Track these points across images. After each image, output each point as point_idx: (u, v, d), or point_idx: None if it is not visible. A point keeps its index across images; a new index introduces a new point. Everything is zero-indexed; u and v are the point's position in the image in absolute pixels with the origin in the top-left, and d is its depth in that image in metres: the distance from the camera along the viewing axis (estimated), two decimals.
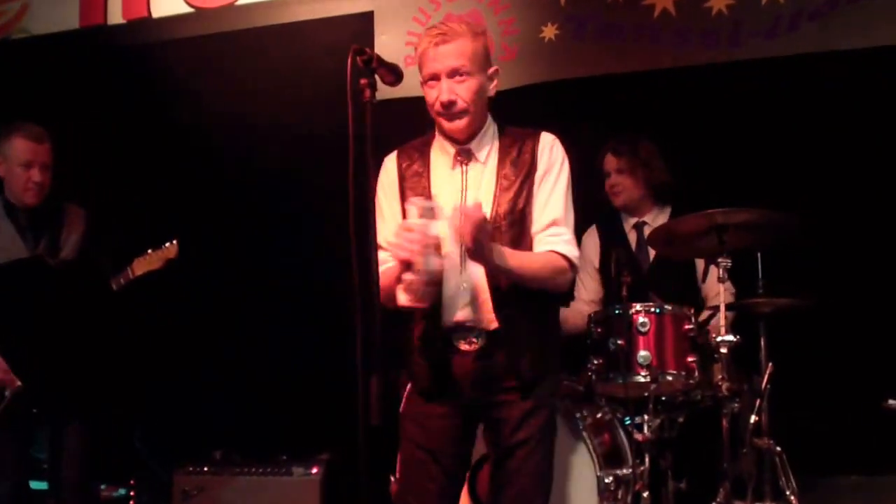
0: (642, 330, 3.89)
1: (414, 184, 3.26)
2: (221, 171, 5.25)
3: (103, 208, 4.70)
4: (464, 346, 3.18)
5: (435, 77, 3.19)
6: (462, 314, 3.17)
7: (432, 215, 3.01)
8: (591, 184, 4.65)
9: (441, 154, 3.31)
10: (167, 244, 4.25)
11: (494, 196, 3.20)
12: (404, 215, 3.22)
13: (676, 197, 4.60)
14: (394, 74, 3.06)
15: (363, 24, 4.91)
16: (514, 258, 3.10)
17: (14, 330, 4.10)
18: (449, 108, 3.17)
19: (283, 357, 5.24)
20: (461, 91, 3.17)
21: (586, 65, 4.75)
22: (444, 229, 3.08)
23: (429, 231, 3.01)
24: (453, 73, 3.17)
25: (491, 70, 3.28)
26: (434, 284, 3.07)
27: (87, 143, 4.96)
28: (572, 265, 3.20)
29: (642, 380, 3.87)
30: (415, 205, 3.03)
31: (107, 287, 4.14)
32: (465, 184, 3.24)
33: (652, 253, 4.48)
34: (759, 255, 4.01)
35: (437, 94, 3.18)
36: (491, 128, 3.32)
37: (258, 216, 5.22)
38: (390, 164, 3.38)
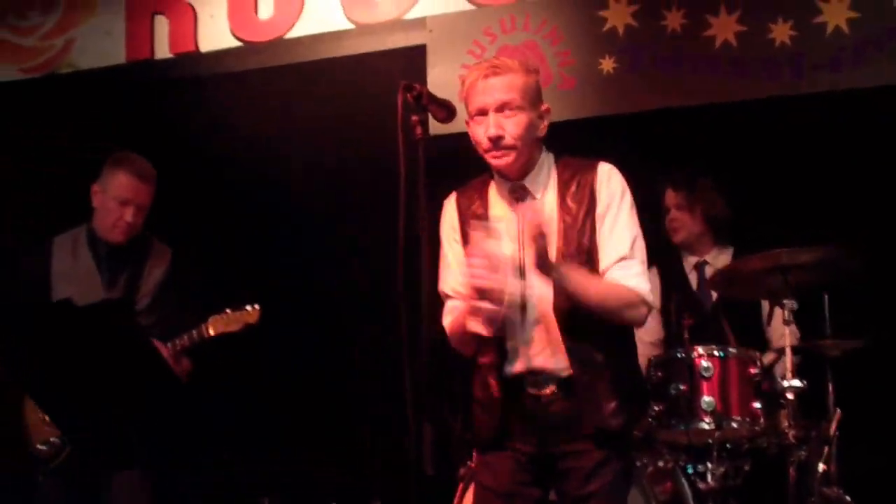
0: (706, 374, 3.83)
1: (471, 223, 3.19)
2: (269, 206, 5.23)
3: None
4: (535, 392, 3.12)
5: (482, 111, 3.14)
6: (532, 361, 3.11)
7: (496, 236, 2.99)
8: (650, 220, 4.61)
9: (499, 193, 3.27)
10: (248, 307, 4.11)
11: (558, 234, 3.15)
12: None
13: (737, 235, 4.53)
14: (445, 111, 3.06)
15: (416, 57, 4.89)
16: (579, 276, 3.05)
17: (46, 378, 3.97)
18: (496, 144, 3.12)
19: (333, 403, 5.19)
20: (509, 126, 3.12)
21: (645, 98, 4.68)
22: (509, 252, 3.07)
23: (497, 254, 2.99)
24: (502, 108, 3.13)
25: (543, 108, 3.25)
26: (508, 308, 3.04)
27: None
28: (644, 300, 3.13)
29: (706, 426, 3.81)
30: (477, 230, 3.02)
31: (138, 329, 3.96)
32: (522, 222, 3.16)
33: (714, 293, 4.42)
34: (825, 295, 3.95)
35: (484, 130, 3.13)
36: (546, 162, 3.27)
37: (305, 253, 5.19)
38: (450, 207, 3.36)
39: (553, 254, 3.09)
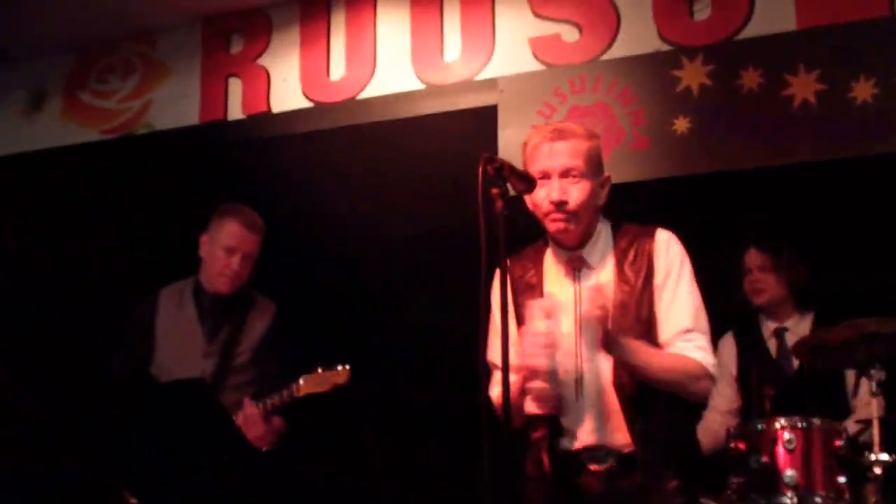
0: (788, 447, 3.66)
1: (528, 296, 3.12)
2: (340, 266, 5.18)
3: None
4: (595, 468, 3.02)
5: (546, 175, 3.08)
6: (590, 436, 3.02)
7: (555, 316, 2.92)
8: (725, 283, 4.50)
9: (554, 262, 3.20)
10: (339, 367, 4.04)
11: (615, 304, 3.05)
12: (520, 330, 3.09)
13: (818, 301, 4.39)
14: (525, 183, 2.98)
15: (486, 117, 4.84)
16: (642, 351, 2.95)
17: (127, 450, 3.94)
18: (560, 208, 3.06)
19: (409, 480, 5.06)
20: (573, 192, 3.07)
21: (720, 159, 4.57)
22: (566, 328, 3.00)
23: (555, 332, 2.91)
24: (566, 173, 3.07)
25: (604, 176, 3.18)
26: (563, 389, 2.96)
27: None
28: (709, 374, 3.02)
29: (788, 501, 3.63)
30: (537, 307, 2.94)
31: (216, 406, 3.90)
32: (579, 294, 3.10)
33: (795, 361, 4.28)
34: None
35: (546, 194, 3.06)
36: (604, 231, 3.20)
37: (378, 315, 5.11)
38: (502, 274, 3.27)
39: (610, 324, 2.99)
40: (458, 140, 4.88)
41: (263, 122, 5.35)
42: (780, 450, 3.68)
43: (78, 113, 5.82)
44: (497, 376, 3.23)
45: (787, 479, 3.64)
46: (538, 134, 3.16)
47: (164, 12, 5.50)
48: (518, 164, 3.08)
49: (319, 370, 4.03)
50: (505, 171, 2.88)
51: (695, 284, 3.12)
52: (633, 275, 3.08)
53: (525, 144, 3.19)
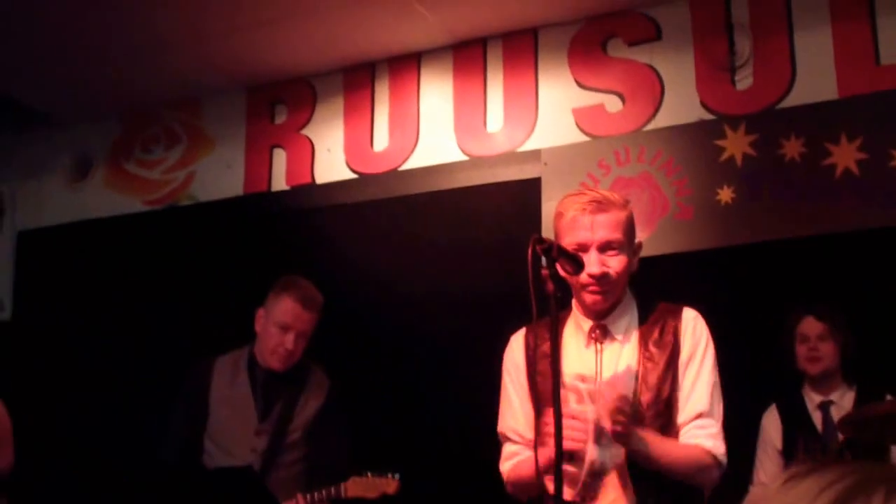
0: None
1: (545, 366, 2.97)
2: (383, 337, 5.13)
3: None
4: None
5: (583, 248, 3.00)
6: None
7: (589, 400, 2.88)
8: (770, 354, 4.45)
9: (574, 331, 3.13)
10: (389, 476, 3.97)
11: (637, 380, 3.00)
12: (533, 402, 3.04)
13: (861, 376, 4.33)
14: (574, 264, 2.95)
15: (530, 189, 4.82)
16: (656, 444, 2.89)
17: None
18: (601, 282, 3.00)
19: None
20: (614, 264, 3.01)
21: (764, 228, 4.53)
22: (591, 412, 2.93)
23: (586, 415, 2.87)
24: (606, 246, 3.01)
25: (636, 244, 3.13)
26: (598, 476, 2.91)
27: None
28: (718, 463, 2.97)
29: None
30: (573, 390, 2.89)
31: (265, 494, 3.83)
32: (599, 364, 3.03)
33: (840, 435, 4.21)
34: None
35: (584, 266, 2.96)
36: (630, 304, 3.13)
37: (422, 386, 5.05)
38: (516, 345, 3.22)
39: (631, 397, 2.97)
40: (501, 211, 4.87)
41: (307, 193, 5.37)
42: None
43: (122, 182, 5.87)
44: (508, 449, 3.21)
45: None
46: (575, 204, 3.07)
47: (209, 81, 5.53)
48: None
49: (369, 474, 3.98)
50: (554, 253, 2.85)
51: (716, 369, 3.05)
52: (658, 351, 3.02)
53: (561, 215, 3.11)
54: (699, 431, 2.97)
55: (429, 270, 4.95)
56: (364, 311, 5.07)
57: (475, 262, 4.83)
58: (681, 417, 2.99)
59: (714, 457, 2.96)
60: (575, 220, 3.03)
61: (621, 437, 2.84)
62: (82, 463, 5.14)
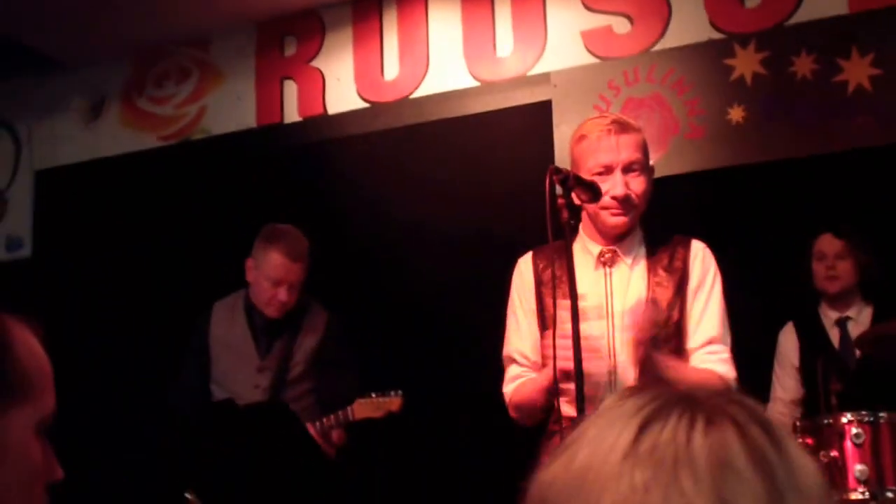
0: (857, 441, 3.60)
1: (551, 289, 3.00)
2: (397, 269, 5.12)
3: None
4: None
5: (608, 169, 2.99)
6: None
7: (585, 317, 2.84)
8: (787, 272, 4.42)
9: (583, 254, 3.10)
10: (392, 393, 4.01)
11: (646, 303, 3.00)
12: (542, 324, 3.04)
13: (878, 293, 4.30)
14: (591, 192, 2.93)
15: (541, 113, 4.78)
16: (673, 369, 2.89)
17: (211, 477, 3.95)
18: (624, 203, 3.00)
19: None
20: (635, 186, 3.01)
21: (775, 147, 4.49)
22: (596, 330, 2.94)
23: (589, 336, 2.85)
24: (630, 167, 3.00)
25: (651, 168, 3.13)
26: (597, 388, 2.90)
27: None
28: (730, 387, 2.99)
29: (859, 496, 3.58)
30: (565, 308, 2.81)
31: (302, 432, 3.91)
32: (609, 287, 3.04)
33: (857, 352, 4.20)
34: None
35: (609, 188, 2.98)
36: (638, 229, 3.13)
37: (434, 320, 5.03)
38: (525, 266, 3.20)
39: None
40: (513, 136, 4.84)
41: (320, 124, 5.34)
42: (849, 444, 3.63)
43: (135, 119, 5.84)
44: (512, 371, 3.21)
45: (857, 474, 3.59)
46: (599, 126, 3.05)
47: (218, 17, 5.47)
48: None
49: (373, 395, 4.03)
50: (570, 182, 2.83)
51: (723, 298, 3.08)
52: (668, 276, 3.04)
53: (583, 137, 3.08)
54: (711, 357, 2.99)
55: (440, 199, 4.91)
56: (375, 240, 5.07)
57: (487, 188, 4.80)
58: (692, 342, 3.01)
59: (726, 381, 2.97)
60: (600, 140, 3.02)
61: (642, 362, 2.87)
62: (99, 405, 5.17)
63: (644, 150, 3.07)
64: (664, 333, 2.97)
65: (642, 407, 0.97)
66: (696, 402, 0.96)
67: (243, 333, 4.26)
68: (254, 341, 4.25)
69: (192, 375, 4.31)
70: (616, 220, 3.04)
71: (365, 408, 4.02)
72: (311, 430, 4.01)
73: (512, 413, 3.20)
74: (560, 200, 2.81)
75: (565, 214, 2.81)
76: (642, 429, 0.94)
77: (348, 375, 4.21)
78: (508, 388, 3.21)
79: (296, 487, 3.64)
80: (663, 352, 2.96)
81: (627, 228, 3.07)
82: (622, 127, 3.03)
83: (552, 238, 2.78)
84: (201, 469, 3.72)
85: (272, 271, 4.14)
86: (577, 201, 2.95)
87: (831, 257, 4.34)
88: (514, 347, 3.21)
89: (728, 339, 3.06)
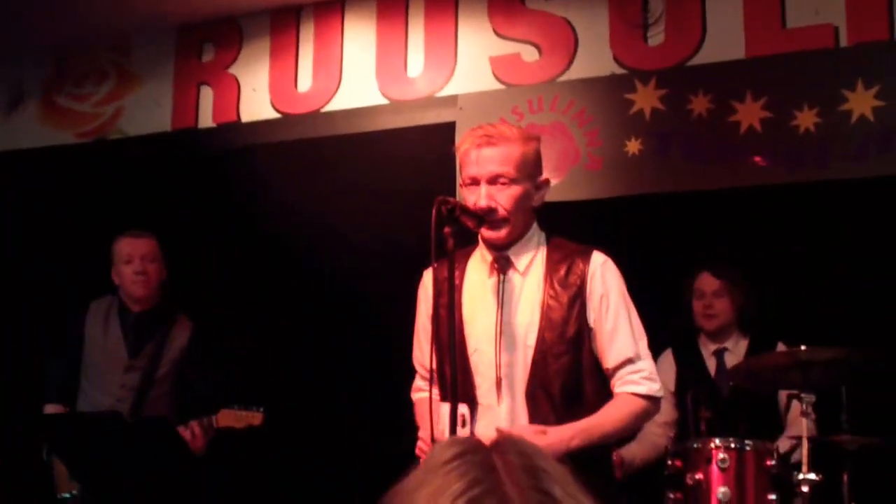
0: (722, 466, 3.70)
1: (445, 293, 2.95)
2: (303, 275, 5.14)
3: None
4: None
5: (475, 181, 2.97)
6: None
7: (463, 423, 2.83)
8: (671, 303, 4.51)
9: (479, 262, 3.09)
10: (255, 410, 4.11)
11: (541, 314, 2.96)
12: (435, 330, 2.97)
13: (754, 325, 4.41)
14: (476, 220, 2.97)
15: (446, 133, 4.80)
16: (596, 429, 2.89)
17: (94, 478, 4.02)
18: (488, 216, 2.95)
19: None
20: (502, 198, 2.94)
21: (669, 180, 4.55)
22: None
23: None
24: (494, 180, 2.94)
25: (540, 178, 3.06)
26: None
27: (177, 246, 4.80)
28: (654, 400, 2.98)
29: None
30: (445, 410, 2.83)
31: (184, 448, 4.00)
32: (500, 296, 3.00)
33: (731, 382, 4.30)
34: (843, 390, 3.83)
35: (474, 200, 2.96)
36: (535, 237, 3.08)
37: (338, 324, 5.07)
38: (427, 279, 3.19)
39: (534, 333, 2.95)
40: (418, 154, 4.84)
41: (233, 130, 5.30)
42: (714, 468, 3.72)
43: (54, 115, 5.74)
44: (417, 382, 3.26)
45: (720, 496, 3.69)
46: (468, 139, 3.02)
47: (138, 19, 5.39)
48: None
49: (236, 407, 4.13)
50: (457, 212, 2.86)
51: (633, 308, 3.03)
52: (563, 290, 2.97)
53: (458, 149, 3.08)
54: (633, 377, 2.96)
55: (346, 210, 4.93)
56: (281, 246, 5.08)
57: (392, 202, 4.82)
58: (608, 363, 2.98)
59: (648, 397, 2.96)
60: (467, 154, 3.00)
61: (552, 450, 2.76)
62: None
63: (519, 161, 2.97)
64: (558, 350, 2.94)
65: (463, 492, 1.03)
66: (507, 500, 1.03)
67: (115, 333, 4.43)
68: (125, 341, 4.41)
69: (60, 367, 4.46)
70: (489, 233, 3.01)
71: (228, 418, 4.13)
72: (198, 429, 4.09)
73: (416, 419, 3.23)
74: (446, 230, 2.84)
75: (451, 243, 2.85)
76: None
77: (209, 383, 4.38)
78: (414, 397, 3.26)
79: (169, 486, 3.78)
80: (559, 365, 2.94)
81: (505, 238, 3.01)
82: (489, 140, 2.96)
83: (434, 262, 2.84)
84: (87, 470, 3.81)
85: (122, 252, 4.42)
86: (467, 227, 2.98)
87: (709, 295, 4.43)
88: (416, 358, 3.23)
89: (644, 349, 3.01)
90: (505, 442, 1.13)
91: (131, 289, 4.40)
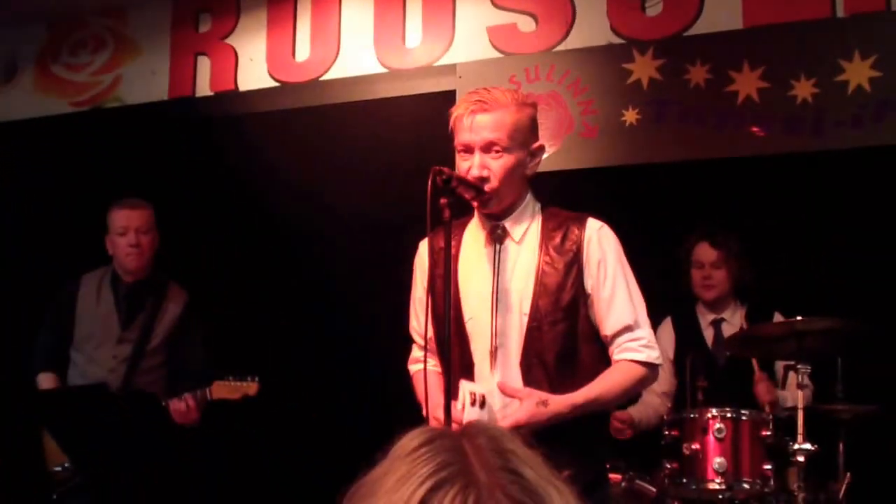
0: (718, 436, 3.71)
1: (441, 263, 2.90)
2: (299, 245, 5.13)
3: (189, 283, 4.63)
4: None
5: (468, 149, 2.89)
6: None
7: (482, 405, 2.78)
8: (670, 272, 4.50)
9: (476, 230, 3.03)
10: (249, 379, 4.12)
11: (535, 281, 2.91)
12: (431, 300, 2.90)
13: (751, 295, 4.40)
14: (474, 191, 2.93)
15: (445, 102, 4.76)
16: (594, 393, 2.83)
17: (83, 452, 4.02)
18: (483, 183, 2.87)
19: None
20: (495, 167, 2.87)
21: (666, 150, 4.53)
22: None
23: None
24: (488, 147, 2.87)
25: (535, 145, 2.98)
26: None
27: (173, 214, 4.79)
28: (652, 366, 2.93)
29: (716, 486, 3.69)
30: (465, 389, 2.78)
31: (169, 420, 4.02)
32: (497, 265, 2.94)
33: (727, 352, 4.30)
34: (839, 360, 3.84)
35: (467, 168, 2.88)
36: (532, 206, 3.01)
37: (332, 292, 5.06)
38: (422, 249, 3.13)
39: (529, 300, 2.90)
40: (416, 123, 4.82)
41: (230, 99, 5.25)
42: (711, 438, 3.74)
43: (49, 84, 5.69)
44: (414, 352, 3.21)
45: (716, 466, 3.70)
46: (461, 105, 2.95)
47: None
48: None
49: (230, 378, 4.14)
50: (453, 183, 2.83)
51: (630, 273, 2.98)
52: (559, 257, 2.91)
53: (451, 114, 2.99)
54: (631, 344, 2.91)
55: (344, 178, 4.93)
56: (278, 214, 5.06)
57: (390, 170, 4.81)
58: (606, 330, 2.92)
59: (647, 364, 2.92)
60: (459, 120, 2.93)
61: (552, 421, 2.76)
62: None
63: (513, 128, 2.89)
64: (553, 317, 2.89)
65: (431, 474, 1.05)
66: (475, 481, 1.04)
67: (108, 304, 4.42)
68: (117, 313, 4.40)
69: (51, 336, 4.47)
70: (479, 199, 2.95)
71: (222, 389, 4.15)
72: (191, 401, 4.09)
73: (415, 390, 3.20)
74: (442, 200, 2.81)
75: (447, 213, 2.82)
76: (428, 492, 1.03)
77: (201, 355, 4.38)
78: (411, 368, 3.23)
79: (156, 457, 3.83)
80: (554, 332, 2.89)
81: (499, 207, 2.96)
82: (482, 106, 2.89)
83: (430, 233, 2.82)
84: (76, 442, 3.80)
85: (117, 222, 4.38)
86: (463, 199, 2.94)
87: (708, 266, 4.43)
88: (413, 328, 3.20)
89: (643, 316, 2.95)
90: (474, 427, 1.14)
91: (125, 261, 4.40)
